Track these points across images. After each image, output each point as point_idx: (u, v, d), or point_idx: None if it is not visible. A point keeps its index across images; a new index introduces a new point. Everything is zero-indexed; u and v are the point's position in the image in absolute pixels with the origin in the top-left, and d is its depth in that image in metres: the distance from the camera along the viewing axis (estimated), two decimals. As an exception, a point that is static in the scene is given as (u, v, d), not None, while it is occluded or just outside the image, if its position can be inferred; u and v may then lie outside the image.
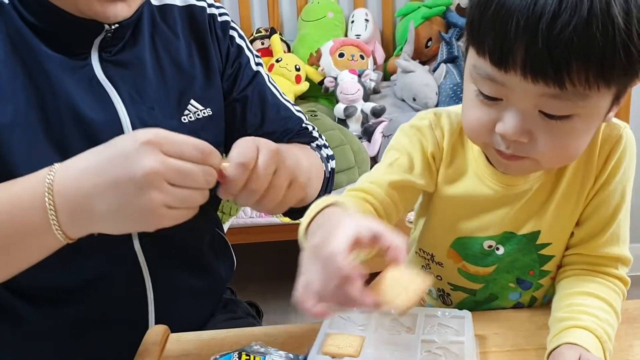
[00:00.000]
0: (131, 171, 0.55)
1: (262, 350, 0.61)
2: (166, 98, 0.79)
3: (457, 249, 0.71)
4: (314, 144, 0.89)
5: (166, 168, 0.55)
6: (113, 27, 0.73)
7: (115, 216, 0.57)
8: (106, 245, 0.76)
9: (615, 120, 0.66)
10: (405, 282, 0.51)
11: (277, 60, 1.99)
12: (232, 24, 0.88)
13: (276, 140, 0.84)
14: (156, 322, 0.80)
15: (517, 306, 0.75)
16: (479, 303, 0.75)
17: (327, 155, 0.91)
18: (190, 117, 0.81)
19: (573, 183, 0.67)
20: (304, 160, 0.76)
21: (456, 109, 0.69)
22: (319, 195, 0.86)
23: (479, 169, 0.68)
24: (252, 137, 0.64)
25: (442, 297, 0.77)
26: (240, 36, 0.88)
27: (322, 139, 0.93)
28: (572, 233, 0.69)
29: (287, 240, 1.74)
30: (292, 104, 0.92)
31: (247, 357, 0.60)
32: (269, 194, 0.63)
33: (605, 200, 0.66)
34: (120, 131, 0.74)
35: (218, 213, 1.00)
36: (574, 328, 0.60)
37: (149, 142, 0.55)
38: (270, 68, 2.00)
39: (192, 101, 0.81)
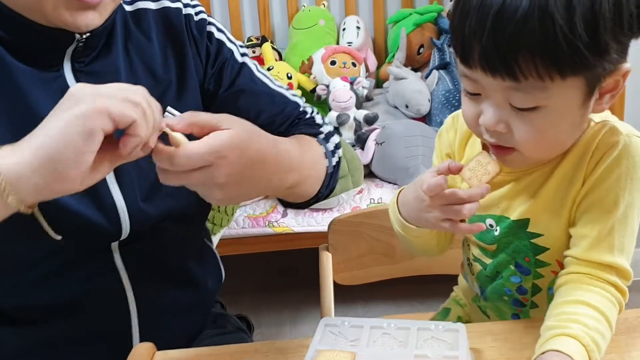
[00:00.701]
0: (68, 99, 0.54)
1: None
2: None
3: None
4: (321, 136, 0.86)
5: (106, 94, 0.54)
6: (84, 36, 0.71)
7: (57, 132, 0.53)
8: (85, 260, 0.74)
9: (622, 125, 0.68)
10: (480, 172, 0.66)
11: (269, 69, 1.98)
12: (209, 19, 0.84)
13: (278, 129, 0.83)
14: (141, 339, 0.78)
15: (521, 290, 0.75)
16: (490, 279, 0.77)
17: (333, 147, 0.87)
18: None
19: (562, 180, 0.68)
20: (298, 163, 0.74)
21: None
22: (320, 190, 0.84)
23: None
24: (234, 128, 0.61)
25: (470, 266, 0.81)
26: (219, 30, 0.85)
27: (327, 124, 0.89)
28: (570, 234, 0.69)
29: (279, 251, 1.73)
30: (286, 89, 0.88)
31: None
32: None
33: (594, 204, 0.66)
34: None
35: (208, 224, 0.98)
36: (561, 336, 0.59)
37: (96, 86, 0.55)
38: (262, 76, 1.99)
39: (169, 108, 0.79)
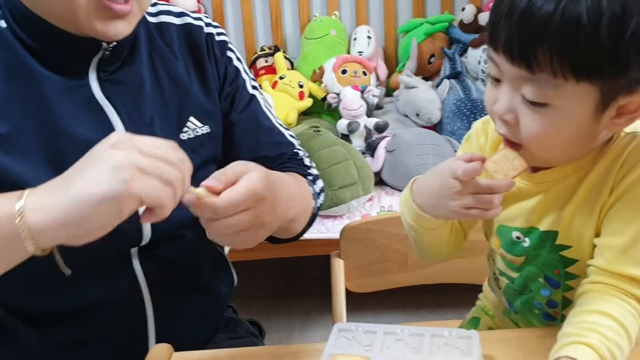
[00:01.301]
0: (98, 149, 0.55)
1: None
2: (165, 115, 0.79)
3: (499, 237, 0.76)
4: (309, 177, 0.88)
5: (134, 155, 0.54)
6: (111, 45, 0.73)
7: (91, 179, 0.54)
8: (105, 266, 0.75)
9: None
10: (506, 167, 0.65)
11: (281, 77, 2.00)
12: (230, 45, 0.88)
13: (270, 164, 0.86)
14: (156, 342, 0.79)
15: (551, 304, 0.74)
16: (518, 292, 0.76)
17: (318, 190, 0.90)
18: (189, 135, 0.80)
19: (591, 192, 0.67)
20: (296, 195, 0.77)
21: None
22: (304, 227, 0.87)
23: None
24: (246, 168, 0.62)
25: (496, 280, 0.81)
26: (238, 59, 0.88)
27: (314, 168, 0.93)
28: (595, 245, 0.68)
29: (290, 257, 1.73)
30: (286, 129, 0.92)
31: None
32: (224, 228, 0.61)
33: (620, 215, 0.65)
34: None
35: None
36: (577, 344, 0.58)
37: (121, 138, 0.55)
38: (274, 85, 2.00)
39: (192, 118, 0.81)
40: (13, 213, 0.54)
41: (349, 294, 1.05)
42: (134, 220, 0.74)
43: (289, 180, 0.76)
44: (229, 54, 0.87)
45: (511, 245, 0.74)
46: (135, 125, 0.75)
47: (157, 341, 0.79)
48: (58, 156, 0.70)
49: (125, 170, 0.53)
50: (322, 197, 0.90)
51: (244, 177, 0.61)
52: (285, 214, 0.73)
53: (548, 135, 0.62)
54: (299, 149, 0.92)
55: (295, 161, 0.90)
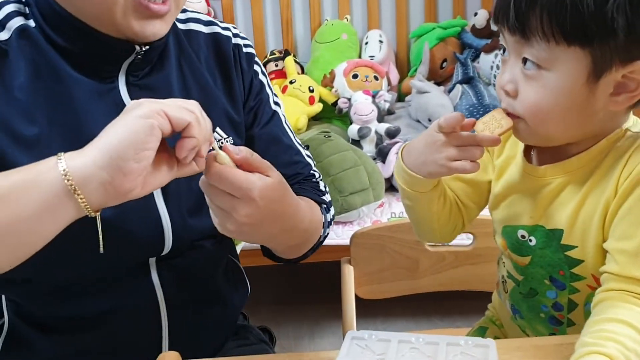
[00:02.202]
0: (127, 117, 0.57)
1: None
2: None
3: (505, 237, 0.76)
4: (324, 206, 0.88)
5: (160, 107, 0.57)
6: (144, 49, 0.72)
7: (122, 133, 0.57)
8: (124, 275, 0.75)
9: None
10: (493, 125, 0.67)
11: (291, 82, 2.00)
12: (256, 59, 0.87)
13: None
14: (170, 350, 0.78)
15: (557, 306, 0.74)
16: (524, 296, 0.76)
17: (330, 218, 0.90)
18: (214, 145, 0.79)
19: (594, 189, 0.67)
20: (305, 226, 0.77)
21: None
22: (305, 255, 0.87)
23: (517, 159, 0.75)
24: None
25: (503, 284, 0.81)
26: (263, 73, 0.88)
27: (328, 193, 0.93)
28: (604, 248, 0.67)
29: (300, 263, 1.72)
30: (304, 148, 0.92)
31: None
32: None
33: (629, 217, 0.64)
34: None
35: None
36: (595, 354, 0.57)
37: (148, 101, 0.58)
38: (284, 89, 2.00)
39: (218, 129, 0.80)
40: (58, 175, 0.55)
41: (358, 300, 1.04)
42: (157, 229, 0.75)
43: (305, 211, 0.76)
44: (256, 67, 0.87)
45: (517, 245, 0.74)
46: None
47: (171, 349, 0.79)
48: None
49: (148, 104, 0.57)
50: (329, 229, 0.91)
51: (257, 174, 0.63)
52: (287, 240, 0.74)
53: (544, 104, 0.64)
54: (315, 171, 0.92)
55: (310, 183, 0.90)
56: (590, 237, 0.68)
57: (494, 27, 0.71)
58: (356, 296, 1.04)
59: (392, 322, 1.80)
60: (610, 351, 0.56)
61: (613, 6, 0.58)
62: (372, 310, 1.68)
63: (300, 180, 0.89)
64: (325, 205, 0.88)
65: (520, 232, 0.73)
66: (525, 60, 0.64)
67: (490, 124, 0.67)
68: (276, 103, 0.89)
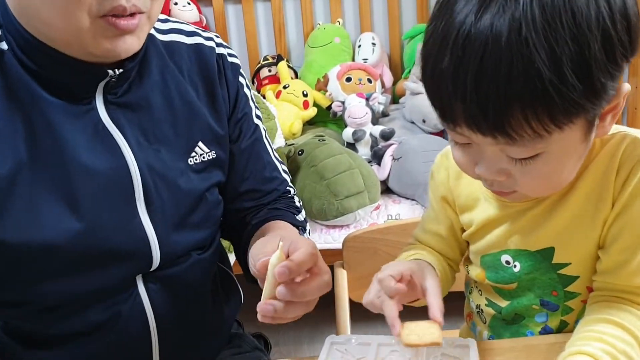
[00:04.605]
0: None
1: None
2: (175, 139, 0.77)
3: (484, 267, 0.72)
4: (300, 228, 0.88)
5: None
6: (117, 72, 0.70)
7: None
8: (112, 289, 0.74)
9: None
10: (422, 332, 0.59)
11: (285, 87, 1.99)
12: (241, 71, 0.86)
13: (261, 199, 0.88)
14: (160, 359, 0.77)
15: (546, 330, 0.70)
16: (507, 323, 0.72)
17: (307, 237, 0.90)
18: (196, 160, 0.79)
19: (586, 203, 0.63)
20: None
21: None
22: None
23: (483, 192, 0.70)
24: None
25: (479, 314, 0.77)
26: (247, 86, 0.87)
27: (303, 210, 0.93)
28: (600, 258, 0.64)
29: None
30: (281, 163, 0.92)
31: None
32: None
33: (628, 225, 0.62)
34: (129, 178, 0.72)
35: (224, 243, 0.97)
36: (579, 354, 0.55)
37: None
38: (278, 95, 1.99)
39: (200, 143, 0.79)
40: None
41: (357, 304, 1.03)
42: (144, 246, 0.74)
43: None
44: (241, 79, 0.85)
45: (500, 273, 0.70)
46: (143, 151, 0.73)
47: (162, 358, 0.78)
48: (69, 187, 0.69)
49: None
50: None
51: (300, 249, 0.62)
52: None
53: (549, 179, 0.59)
54: (290, 187, 0.92)
55: (286, 200, 0.90)
56: (586, 251, 0.64)
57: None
58: (352, 300, 1.03)
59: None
60: (594, 351, 0.55)
61: (599, 72, 0.51)
62: (369, 314, 1.66)
63: (277, 197, 0.89)
64: (301, 227, 0.88)
65: (505, 258, 0.69)
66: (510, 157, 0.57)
67: (418, 331, 0.60)
68: (257, 117, 0.89)
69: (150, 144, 0.74)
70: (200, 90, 0.80)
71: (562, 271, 0.66)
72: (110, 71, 0.69)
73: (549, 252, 0.66)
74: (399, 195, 1.74)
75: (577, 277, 0.66)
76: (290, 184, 0.92)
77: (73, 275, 0.70)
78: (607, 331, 0.57)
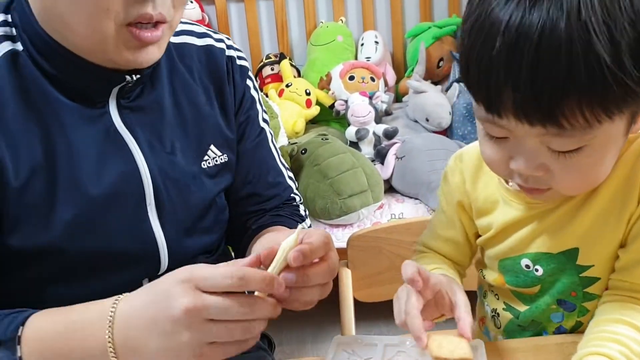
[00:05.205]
0: (170, 310, 0.55)
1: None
2: (186, 142, 0.77)
3: (502, 271, 0.71)
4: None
5: (201, 304, 0.54)
6: (135, 77, 0.70)
7: (163, 354, 0.57)
8: (119, 292, 0.73)
9: None
10: (455, 347, 0.57)
11: (287, 85, 1.98)
12: (250, 73, 0.86)
13: (264, 204, 0.86)
14: None
15: (560, 330, 0.69)
16: (522, 328, 0.71)
17: None
18: (209, 163, 0.79)
19: (612, 202, 0.62)
20: None
21: (475, 144, 0.70)
22: None
23: (502, 194, 0.69)
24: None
25: (494, 319, 0.75)
26: (255, 88, 0.86)
27: (307, 218, 0.91)
28: (618, 256, 0.64)
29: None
30: (287, 169, 0.90)
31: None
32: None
33: None
34: (139, 182, 0.72)
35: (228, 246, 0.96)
36: (596, 355, 0.54)
37: (184, 280, 0.55)
38: (281, 93, 1.99)
39: (212, 146, 0.79)
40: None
41: (360, 304, 1.02)
42: (152, 250, 0.74)
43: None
44: (248, 82, 0.85)
45: (520, 277, 0.68)
46: (155, 155, 0.73)
47: None
48: (80, 190, 0.69)
49: (194, 325, 0.54)
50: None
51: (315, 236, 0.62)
52: None
53: (588, 174, 0.57)
54: (296, 194, 0.90)
55: (291, 208, 0.88)
56: (609, 252, 0.63)
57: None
58: (356, 300, 1.02)
59: (395, 325, 1.78)
60: (611, 353, 0.54)
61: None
62: (376, 313, 1.66)
63: (280, 204, 0.87)
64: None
65: (524, 262, 0.68)
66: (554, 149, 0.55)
67: (447, 345, 0.58)
68: (265, 120, 0.88)
69: (163, 147, 0.74)
70: (212, 92, 0.80)
71: (585, 273, 0.65)
72: (127, 77, 0.70)
73: (573, 253, 0.65)
74: (402, 194, 1.73)
75: (599, 278, 0.65)
76: (296, 191, 0.90)
77: (82, 279, 0.70)
78: (622, 332, 0.57)
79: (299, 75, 2.15)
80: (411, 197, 1.70)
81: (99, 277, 0.71)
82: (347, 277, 1.04)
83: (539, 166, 0.56)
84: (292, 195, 0.89)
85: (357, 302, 1.02)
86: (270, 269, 0.58)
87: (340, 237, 1.60)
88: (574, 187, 0.59)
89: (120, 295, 0.60)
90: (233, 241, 0.89)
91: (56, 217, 0.67)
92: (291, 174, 0.91)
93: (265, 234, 0.82)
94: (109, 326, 0.57)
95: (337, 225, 1.62)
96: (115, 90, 0.71)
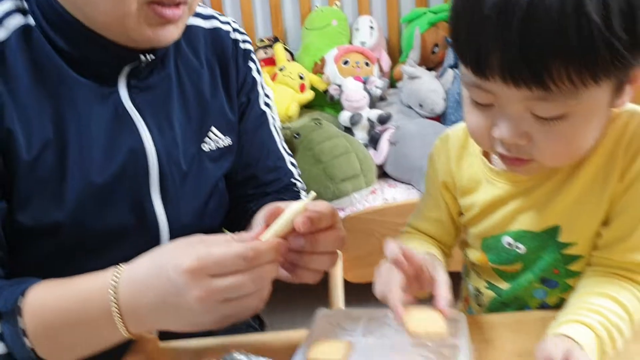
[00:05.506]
0: (183, 300, 0.56)
1: (243, 358, 0.57)
2: (188, 124, 0.77)
3: (485, 250, 0.71)
4: None
5: (213, 292, 0.55)
6: (149, 57, 0.71)
7: (180, 325, 0.58)
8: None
9: None
10: (430, 322, 0.57)
11: (281, 69, 1.98)
12: (253, 55, 0.86)
13: (264, 187, 0.87)
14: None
15: (543, 307, 0.70)
16: (505, 305, 0.72)
17: None
18: (211, 146, 0.79)
19: (594, 179, 0.63)
20: None
21: (461, 124, 0.71)
22: None
23: (485, 173, 0.69)
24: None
25: (477, 297, 0.76)
26: (258, 71, 0.87)
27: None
28: (600, 234, 0.64)
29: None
30: (289, 154, 0.90)
31: (228, 365, 0.56)
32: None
33: (634, 201, 0.61)
34: (145, 162, 0.72)
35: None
36: (575, 323, 0.55)
37: (192, 271, 0.55)
38: (274, 77, 1.98)
39: (213, 128, 0.79)
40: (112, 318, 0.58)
41: (353, 285, 1.03)
42: (155, 230, 0.75)
43: None
44: (251, 64, 0.85)
45: (502, 255, 0.69)
46: (162, 135, 0.74)
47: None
48: (88, 167, 0.69)
49: (211, 309, 0.55)
50: None
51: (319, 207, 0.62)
52: None
53: (570, 144, 0.57)
54: (297, 180, 0.90)
55: (292, 193, 0.88)
56: (591, 230, 0.64)
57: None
58: (347, 281, 1.03)
59: (385, 306, 1.79)
60: (590, 322, 0.55)
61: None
62: (364, 295, 1.66)
63: (280, 188, 0.87)
64: None
65: (506, 240, 0.68)
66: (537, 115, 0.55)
67: (423, 320, 0.58)
68: (267, 104, 0.88)
69: (169, 126, 0.75)
70: (217, 74, 0.81)
71: (567, 251, 0.66)
72: (142, 57, 0.70)
73: (555, 230, 0.65)
74: (395, 180, 1.73)
75: (581, 256, 0.65)
76: (297, 177, 0.90)
77: (82, 256, 0.71)
78: (604, 304, 0.57)
79: (293, 59, 2.14)
80: (404, 183, 1.71)
81: (99, 255, 0.71)
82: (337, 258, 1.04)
83: (522, 134, 0.57)
84: (292, 180, 0.89)
85: (348, 284, 1.03)
86: (271, 229, 0.58)
87: (332, 221, 1.61)
88: (556, 158, 0.59)
89: (118, 266, 0.60)
90: (231, 226, 0.89)
91: (66, 192, 0.68)
92: (293, 160, 0.91)
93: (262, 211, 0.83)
94: (113, 297, 0.58)
95: (330, 209, 1.63)
96: (126, 70, 0.71)
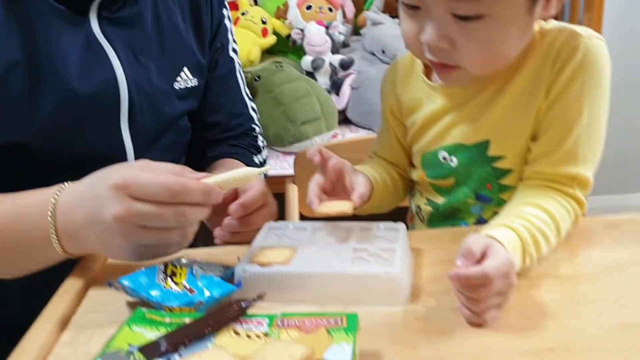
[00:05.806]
0: (103, 215, 0.56)
1: (190, 262, 0.59)
2: (162, 62, 0.78)
3: (423, 167, 0.75)
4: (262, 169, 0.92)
5: (131, 213, 0.54)
6: None
7: (103, 248, 0.59)
8: None
9: (582, 29, 0.64)
10: (338, 206, 0.64)
11: (243, 14, 1.94)
12: (226, 3, 0.87)
13: (226, 132, 0.89)
14: None
15: (480, 222, 0.73)
16: (445, 217, 0.75)
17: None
18: (181, 85, 0.80)
19: (522, 94, 0.65)
20: None
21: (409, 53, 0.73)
22: None
23: (424, 90, 0.72)
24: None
25: (418, 214, 0.80)
26: (229, 18, 0.88)
27: (265, 149, 0.94)
28: (530, 149, 0.67)
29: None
30: (250, 99, 0.92)
31: (174, 267, 0.58)
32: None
33: (560, 115, 0.63)
34: (116, 92, 0.73)
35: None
36: (500, 226, 0.58)
37: (116, 187, 0.55)
38: (236, 21, 1.94)
39: (185, 69, 0.80)
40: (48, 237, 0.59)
41: (307, 218, 1.04)
42: (123, 161, 0.74)
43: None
44: (224, 11, 0.86)
45: (437, 169, 0.72)
46: (132, 68, 0.74)
47: None
48: (60, 91, 0.69)
49: (128, 232, 0.56)
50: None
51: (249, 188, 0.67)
52: None
53: (491, 47, 0.60)
54: (256, 125, 0.93)
55: (249, 138, 0.91)
56: (520, 144, 0.66)
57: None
58: (302, 215, 1.05)
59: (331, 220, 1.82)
60: (514, 225, 0.57)
61: None
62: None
63: (240, 133, 0.90)
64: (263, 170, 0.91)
65: (442, 154, 0.71)
66: (457, 15, 0.58)
67: (333, 206, 0.64)
68: (234, 50, 0.89)
69: (140, 62, 0.75)
70: (187, 17, 0.82)
71: (497, 164, 0.68)
72: None
73: (484, 144, 0.68)
74: (356, 125, 1.75)
75: (512, 170, 0.68)
76: (257, 122, 0.93)
77: (47, 181, 0.69)
78: (529, 211, 0.60)
79: (256, 3, 2.10)
80: (365, 128, 1.72)
81: (68, 179, 0.71)
82: (293, 193, 1.06)
83: (444, 36, 0.59)
84: (252, 125, 0.92)
85: (302, 217, 1.05)
86: (215, 177, 0.59)
87: (292, 165, 1.60)
88: (478, 63, 0.61)
89: (64, 184, 0.60)
90: (190, 166, 0.91)
91: (37, 112, 0.68)
92: (254, 105, 0.93)
93: (218, 166, 0.85)
94: (51, 212, 0.58)
95: (290, 153, 1.64)
96: (98, 1, 0.71)
